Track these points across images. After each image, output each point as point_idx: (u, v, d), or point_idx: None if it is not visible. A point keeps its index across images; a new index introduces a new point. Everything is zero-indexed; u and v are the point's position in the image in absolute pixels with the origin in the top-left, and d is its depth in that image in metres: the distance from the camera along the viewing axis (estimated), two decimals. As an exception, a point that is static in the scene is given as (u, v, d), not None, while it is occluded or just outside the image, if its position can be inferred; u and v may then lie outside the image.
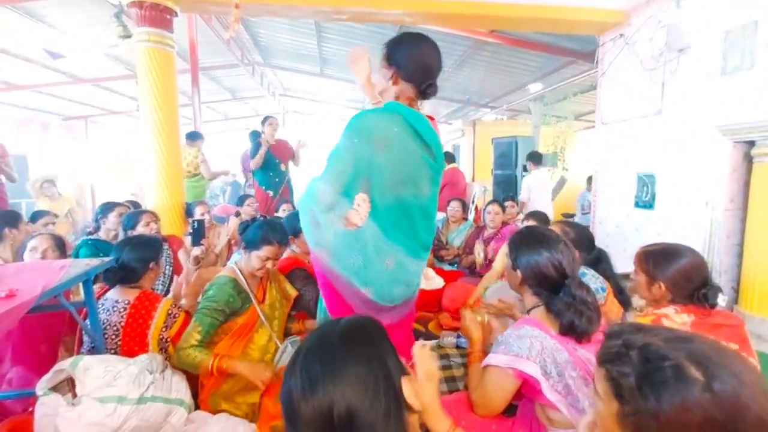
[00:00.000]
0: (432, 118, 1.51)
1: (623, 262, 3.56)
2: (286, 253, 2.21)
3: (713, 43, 2.86)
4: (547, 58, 5.74)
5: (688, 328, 1.28)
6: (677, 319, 1.31)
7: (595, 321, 1.15)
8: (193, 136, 4.34)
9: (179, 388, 1.49)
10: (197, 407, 1.54)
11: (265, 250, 1.67)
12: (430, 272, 3.04)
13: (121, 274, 1.65)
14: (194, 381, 1.62)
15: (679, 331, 0.68)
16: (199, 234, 2.35)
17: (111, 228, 2.59)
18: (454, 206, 3.73)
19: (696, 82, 3.01)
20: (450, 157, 5.05)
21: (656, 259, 1.38)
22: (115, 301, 1.63)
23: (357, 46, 1.57)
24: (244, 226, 1.78)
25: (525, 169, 5.49)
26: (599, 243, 4.05)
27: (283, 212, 3.37)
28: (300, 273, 2.07)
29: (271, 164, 4.08)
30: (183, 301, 2.01)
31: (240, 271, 1.69)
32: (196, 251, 2.43)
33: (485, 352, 1.36)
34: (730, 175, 2.84)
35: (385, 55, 1.42)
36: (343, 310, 1.42)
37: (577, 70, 5.80)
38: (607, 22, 3.67)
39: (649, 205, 3.49)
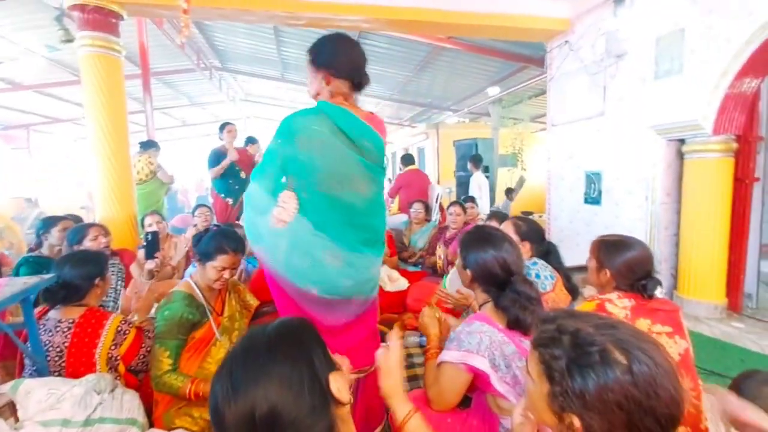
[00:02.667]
0: (371, 116, 1.51)
1: (576, 256, 3.77)
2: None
3: (647, 49, 3.11)
4: (502, 64, 5.98)
5: (629, 312, 1.38)
6: (619, 303, 1.41)
7: (538, 314, 1.22)
8: (146, 145, 4.17)
9: (131, 407, 1.43)
10: (152, 425, 1.49)
11: (221, 260, 1.63)
12: (395, 274, 3.09)
13: (64, 293, 1.56)
14: (148, 398, 1.57)
15: (607, 318, 0.73)
16: (152, 246, 2.26)
17: (55, 244, 2.44)
18: (417, 208, 3.80)
19: (633, 85, 3.25)
20: (409, 159, 5.13)
21: (608, 249, 1.48)
22: (57, 320, 1.54)
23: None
24: (198, 238, 1.73)
25: (466, 169, 5.83)
26: (554, 238, 4.28)
27: (241, 221, 3.27)
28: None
29: (230, 171, 3.97)
30: (134, 317, 1.93)
31: (195, 284, 1.64)
32: (150, 264, 2.34)
33: (442, 349, 1.41)
34: (665, 171, 3.08)
35: (311, 62, 1.46)
36: (291, 309, 1.44)
37: (530, 75, 6.08)
38: (553, 29, 3.89)
39: (596, 200, 3.71)
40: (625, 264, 1.44)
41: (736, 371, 2.21)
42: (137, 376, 1.71)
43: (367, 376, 1.53)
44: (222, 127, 3.98)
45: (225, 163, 3.85)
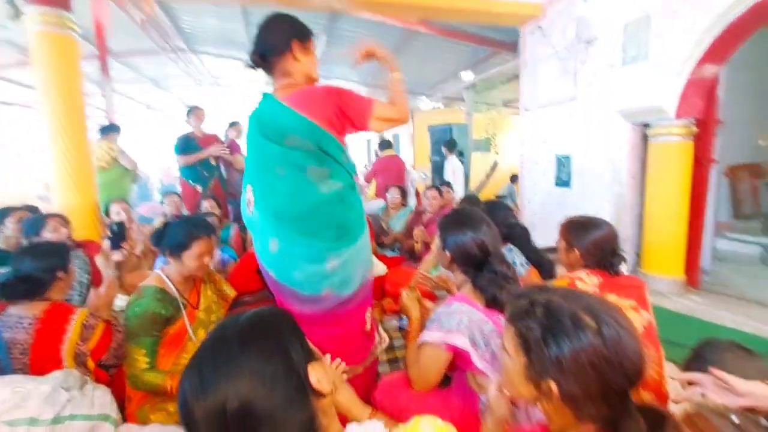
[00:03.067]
0: (302, 91, 1.38)
1: (549, 237, 3.90)
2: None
3: (615, 35, 3.18)
4: (475, 48, 5.98)
5: (597, 289, 1.45)
6: (588, 280, 1.48)
7: (511, 291, 1.26)
8: (106, 130, 3.92)
9: (103, 402, 1.38)
10: (125, 421, 1.45)
11: (197, 246, 1.56)
12: (373, 259, 3.09)
13: (25, 287, 1.47)
14: (120, 394, 1.52)
15: (573, 290, 0.78)
16: (119, 237, 2.15)
17: (10, 236, 2.29)
18: (393, 193, 3.80)
19: (602, 71, 3.33)
20: (386, 144, 5.12)
21: (576, 229, 1.55)
22: (19, 316, 1.45)
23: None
24: (158, 235, 1.61)
25: (441, 154, 5.90)
26: (527, 221, 4.40)
27: (205, 209, 3.16)
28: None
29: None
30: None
31: (168, 277, 1.57)
32: (117, 256, 2.24)
33: (422, 330, 1.43)
34: (630, 153, 3.21)
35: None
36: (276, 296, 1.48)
37: (503, 60, 6.12)
38: (525, 14, 3.91)
39: (567, 183, 3.83)
40: (593, 243, 1.50)
41: (694, 341, 2.38)
42: (108, 371, 1.64)
43: (355, 376, 1.50)
44: (189, 111, 3.81)
45: (201, 155, 3.72)
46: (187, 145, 3.74)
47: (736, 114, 4.07)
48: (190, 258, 1.53)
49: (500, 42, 5.37)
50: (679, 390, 1.34)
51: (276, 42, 1.38)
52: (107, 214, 2.93)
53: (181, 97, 11.29)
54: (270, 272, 1.44)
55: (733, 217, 4.64)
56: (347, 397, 0.80)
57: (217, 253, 2.51)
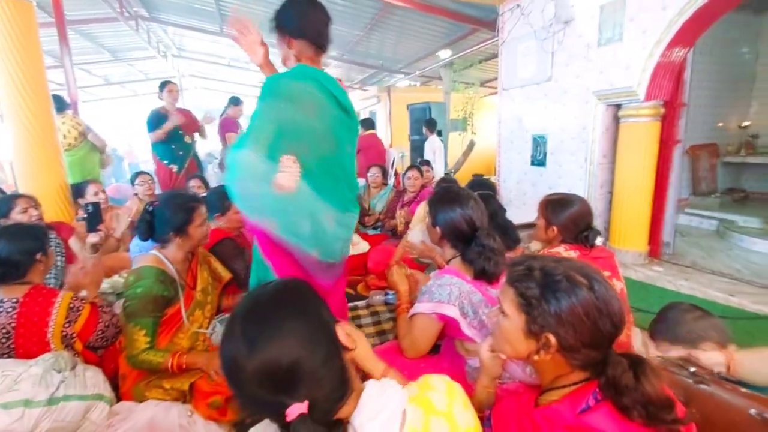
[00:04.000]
0: (340, 80, 1.54)
1: (524, 214, 4.05)
2: (211, 226, 2.10)
3: (591, 16, 3.25)
4: (454, 26, 5.93)
5: None
6: (566, 255, 1.59)
7: (501, 264, 1.33)
8: (59, 104, 3.59)
9: (95, 382, 1.38)
10: (120, 400, 1.45)
11: (198, 216, 1.59)
12: (356, 237, 3.13)
13: (2, 270, 1.42)
14: (111, 373, 1.52)
15: (559, 257, 0.88)
16: (95, 218, 2.07)
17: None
18: (374, 172, 3.81)
19: (578, 51, 3.41)
20: (369, 123, 5.08)
21: (553, 206, 1.65)
22: (-1, 300, 1.40)
23: (235, 17, 1.50)
24: (146, 224, 1.56)
25: (420, 133, 5.97)
26: (503, 199, 4.53)
27: (193, 189, 3.09)
28: (227, 243, 2.00)
29: (173, 136, 3.66)
30: (83, 293, 1.80)
31: (166, 258, 1.55)
32: (94, 238, 2.16)
33: (412, 303, 1.50)
34: (603, 134, 3.34)
35: (275, 27, 1.43)
36: (294, 272, 1.43)
37: (480, 39, 6.11)
38: (505, -9, 3.91)
39: (542, 162, 3.96)
40: (569, 219, 1.60)
41: (656, 306, 2.57)
42: (96, 352, 1.63)
43: None
44: (162, 85, 3.61)
45: (167, 126, 3.53)
46: (158, 121, 3.56)
47: (697, 97, 4.29)
48: (196, 229, 1.58)
49: (479, 20, 5.35)
50: (641, 350, 1.49)
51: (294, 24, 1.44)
52: (77, 194, 2.79)
53: (143, 70, 10.65)
54: (313, 252, 1.39)
55: (692, 194, 4.97)
56: (364, 352, 0.87)
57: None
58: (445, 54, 6.99)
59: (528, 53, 3.96)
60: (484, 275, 1.34)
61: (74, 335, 1.48)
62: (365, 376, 0.99)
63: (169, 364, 1.42)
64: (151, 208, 1.59)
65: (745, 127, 5.24)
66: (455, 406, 0.73)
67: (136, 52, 8.94)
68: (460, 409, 0.74)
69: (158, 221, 1.56)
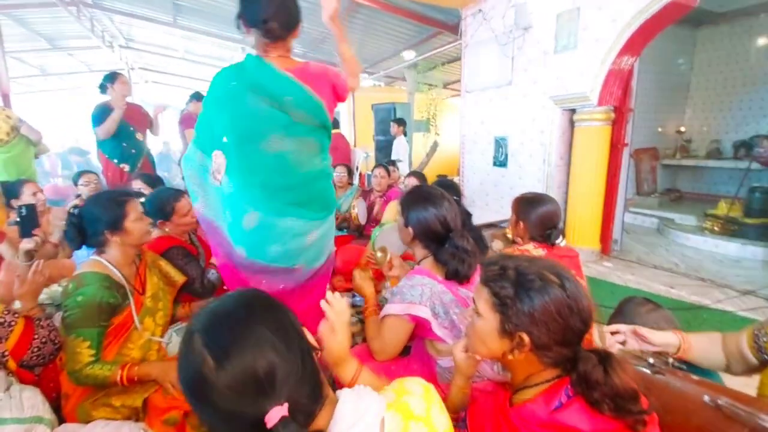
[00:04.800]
0: (304, 67, 1.44)
1: (486, 214, 4.18)
2: (155, 234, 1.93)
3: (548, 24, 3.40)
4: (418, 27, 6.00)
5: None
6: (534, 252, 1.65)
7: (474, 265, 1.34)
8: None
9: (34, 404, 1.24)
10: (62, 422, 1.31)
11: (131, 209, 1.44)
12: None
13: None
14: (50, 393, 1.38)
15: (533, 257, 0.90)
16: (30, 222, 1.87)
17: None
18: (340, 171, 3.76)
19: (537, 57, 3.56)
20: (334, 123, 5.00)
21: (525, 204, 1.71)
22: None
23: None
24: (74, 227, 1.43)
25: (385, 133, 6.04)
26: (467, 199, 4.63)
27: (137, 190, 2.84)
28: (178, 251, 1.84)
29: (124, 132, 3.36)
30: (17, 304, 1.62)
31: (109, 263, 1.42)
32: (28, 244, 1.95)
33: (378, 306, 1.48)
34: (560, 137, 3.51)
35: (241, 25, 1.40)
36: (236, 277, 1.45)
37: (444, 41, 6.23)
38: (468, -4, 4.00)
39: (503, 164, 4.09)
40: (538, 218, 1.67)
41: (607, 300, 2.75)
42: (32, 370, 1.47)
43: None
44: (110, 77, 3.29)
45: (115, 116, 3.23)
46: (106, 115, 3.27)
47: (641, 104, 4.63)
48: (133, 223, 1.45)
49: (442, 23, 5.44)
50: (598, 342, 1.57)
51: (298, 17, 1.42)
52: (10, 195, 2.52)
53: (86, 61, 9.86)
54: (238, 249, 1.41)
55: (636, 194, 5.35)
56: (337, 347, 0.86)
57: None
58: (409, 55, 7.06)
59: (489, 57, 4.07)
60: (455, 276, 1.34)
61: (6, 353, 1.33)
62: (335, 383, 0.97)
63: (119, 377, 1.29)
64: (76, 211, 1.45)
65: (681, 132, 5.73)
66: (433, 410, 0.73)
67: (78, 41, 8.24)
68: (437, 412, 0.73)
69: (88, 222, 1.42)
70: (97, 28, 7.66)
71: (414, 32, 6.33)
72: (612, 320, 1.57)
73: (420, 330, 1.36)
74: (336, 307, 0.88)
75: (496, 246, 3.70)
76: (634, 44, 2.92)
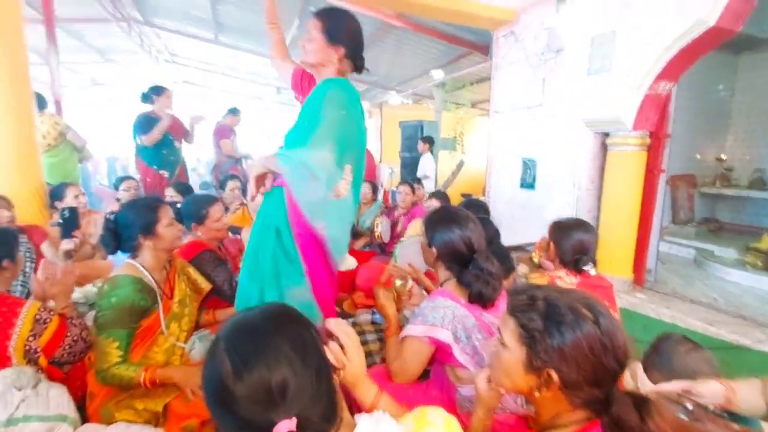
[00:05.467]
0: None
1: (512, 236, 4.08)
2: (188, 238, 2.00)
3: (582, 46, 3.36)
4: (448, 48, 6.07)
5: (575, 287, 1.56)
6: (567, 280, 1.60)
7: (499, 288, 1.30)
8: (39, 103, 3.48)
9: (59, 402, 1.28)
10: (86, 421, 1.34)
11: (164, 215, 1.51)
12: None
13: (-37, 276, 1.32)
14: (77, 392, 1.41)
15: (563, 288, 0.85)
16: (71, 224, 1.97)
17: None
18: (365, 188, 3.78)
19: (569, 80, 3.51)
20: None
21: (560, 229, 1.68)
22: (-44, 309, 1.30)
23: None
24: (110, 235, 1.50)
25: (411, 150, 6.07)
26: (493, 220, 4.55)
27: (170, 198, 2.96)
28: (208, 256, 1.90)
29: (164, 141, 3.55)
30: (52, 303, 1.69)
31: (142, 266, 1.48)
32: (68, 244, 2.05)
33: (400, 327, 1.45)
34: (591, 161, 3.42)
35: (324, 31, 1.44)
36: (324, 277, 1.49)
37: (473, 61, 6.26)
38: (500, 19, 4.02)
39: (531, 185, 4.01)
40: (571, 243, 1.61)
41: (641, 334, 2.61)
42: (62, 368, 1.52)
43: None
44: (158, 90, 3.53)
45: (163, 125, 3.44)
46: (150, 125, 3.47)
47: (677, 129, 4.46)
48: (165, 228, 1.51)
49: (473, 43, 5.48)
50: (630, 381, 1.48)
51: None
52: (54, 197, 2.67)
53: (132, 73, 10.48)
54: (332, 251, 1.48)
55: (671, 222, 5.11)
56: (355, 370, 0.84)
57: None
58: (437, 74, 7.12)
59: (520, 78, 4.05)
60: (479, 299, 1.31)
61: (39, 350, 1.38)
62: (353, 407, 0.95)
63: (142, 379, 1.32)
64: (112, 217, 1.52)
65: (721, 159, 5.47)
66: None
67: (127, 55, 8.80)
68: None
69: (122, 227, 1.49)
70: (145, 43, 8.17)
71: (443, 52, 6.40)
72: (648, 359, 1.48)
73: (440, 354, 1.33)
74: (345, 329, 0.86)
75: (521, 270, 3.59)
76: (673, 69, 2.84)
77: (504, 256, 2.37)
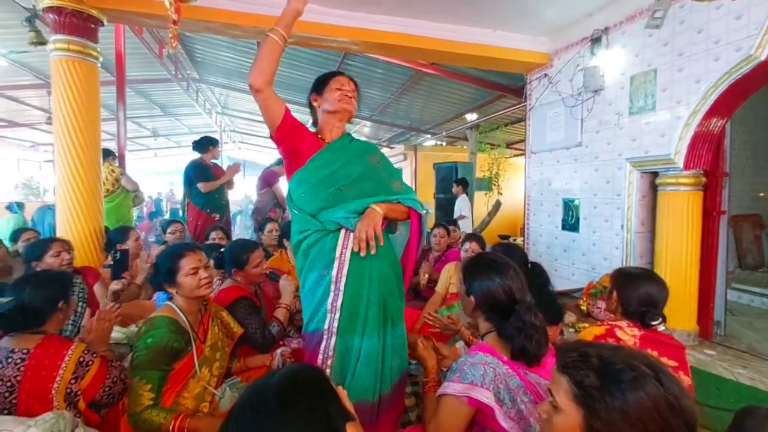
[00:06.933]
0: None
1: (555, 281, 3.83)
2: (227, 284, 2.03)
3: (622, 86, 3.29)
4: (481, 91, 6.18)
5: (637, 341, 1.40)
6: (628, 331, 1.43)
7: (544, 344, 1.19)
8: (104, 154, 3.95)
9: (93, 448, 1.27)
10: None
11: (187, 262, 1.51)
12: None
13: (22, 318, 1.39)
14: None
15: (616, 345, 0.77)
16: (121, 266, 2.08)
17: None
18: (399, 230, 3.75)
19: (609, 119, 3.41)
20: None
21: (625, 277, 1.53)
22: (9, 350, 1.35)
23: None
24: (157, 274, 1.58)
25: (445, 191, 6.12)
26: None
27: (212, 241, 3.08)
28: (244, 302, 1.91)
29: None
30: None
31: (179, 309, 1.51)
32: (116, 285, 2.15)
33: (440, 381, 1.34)
34: (640, 201, 3.22)
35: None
36: None
37: (507, 103, 6.31)
38: (532, 62, 4.06)
39: (574, 227, 3.81)
40: (637, 293, 1.46)
41: (714, 399, 2.27)
42: (99, 411, 1.53)
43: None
44: (209, 142, 3.91)
45: (225, 178, 3.92)
46: (206, 172, 3.79)
47: (736, 166, 4.16)
48: (186, 278, 1.51)
49: (506, 86, 5.55)
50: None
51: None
52: (116, 239, 2.85)
53: (188, 125, 11.51)
54: None
55: (738, 267, 4.62)
56: None
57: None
58: (471, 117, 7.23)
59: (556, 119, 4.00)
60: (523, 356, 1.19)
61: (79, 393, 1.40)
62: None
63: (171, 426, 1.31)
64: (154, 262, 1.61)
65: (791, 198, 4.99)
66: None
67: (184, 109, 9.72)
68: None
69: (156, 272, 1.57)
70: (201, 98, 9.01)
71: (476, 95, 6.52)
72: (728, 437, 1.26)
73: (482, 418, 1.20)
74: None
75: (568, 319, 3.34)
76: (724, 105, 2.68)
77: (554, 305, 2.21)
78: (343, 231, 1.45)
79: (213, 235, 3.11)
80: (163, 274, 1.51)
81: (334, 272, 1.43)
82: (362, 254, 1.40)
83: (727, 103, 2.69)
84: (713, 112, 2.70)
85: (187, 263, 1.51)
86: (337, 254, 1.43)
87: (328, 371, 1.41)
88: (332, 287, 1.43)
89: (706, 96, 2.66)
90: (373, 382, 1.42)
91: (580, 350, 0.73)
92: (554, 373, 0.75)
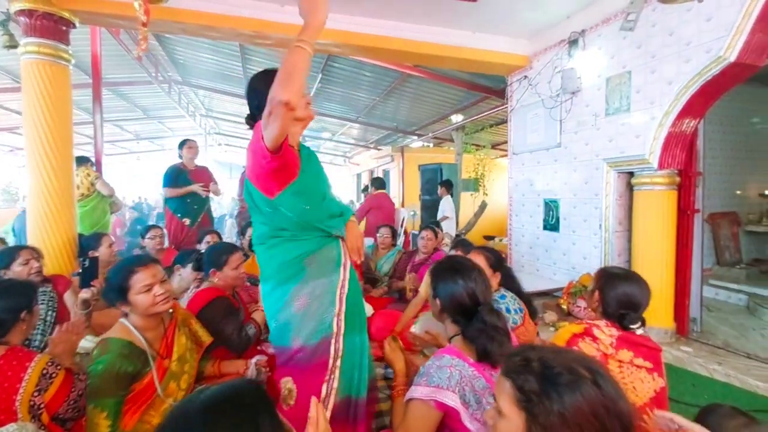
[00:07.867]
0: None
1: (536, 281, 3.88)
2: (204, 285, 2.01)
3: (598, 87, 3.34)
4: (465, 93, 6.22)
5: (614, 341, 1.41)
6: (606, 331, 1.43)
7: (506, 344, 1.20)
8: (81, 160, 3.72)
9: (55, 463, 1.24)
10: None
11: (138, 279, 1.39)
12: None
13: (-19, 329, 1.36)
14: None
15: (558, 347, 0.80)
16: (90, 273, 2.03)
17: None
18: (384, 232, 3.75)
19: (586, 120, 3.46)
20: (380, 183, 5.16)
21: (608, 277, 1.53)
22: (-31, 362, 1.32)
23: None
24: (108, 287, 1.45)
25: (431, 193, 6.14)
26: (516, 263, 4.38)
27: (206, 244, 3.05)
28: (221, 303, 1.89)
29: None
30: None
31: (134, 327, 1.41)
32: (85, 293, 2.10)
33: (409, 385, 1.34)
34: (617, 201, 3.27)
35: None
36: None
37: (491, 105, 6.36)
38: (512, 64, 4.10)
39: (555, 227, 3.86)
40: (617, 294, 1.46)
41: (688, 396, 2.31)
42: (63, 425, 1.49)
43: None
44: (182, 143, 3.79)
45: (187, 190, 3.73)
46: (176, 177, 3.69)
47: (712, 165, 4.25)
48: (138, 296, 1.41)
49: (489, 88, 5.60)
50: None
51: (259, 103, 1.33)
52: (88, 246, 2.80)
53: (172, 127, 11.36)
54: None
55: (716, 264, 4.72)
56: None
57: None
58: (457, 118, 7.26)
59: (536, 120, 4.05)
60: (486, 357, 1.20)
61: (42, 405, 1.36)
62: None
63: None
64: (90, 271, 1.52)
65: (765, 196, 5.11)
66: None
67: (167, 111, 9.59)
68: None
69: (106, 289, 1.46)
70: (184, 100, 8.90)
71: (461, 97, 6.56)
72: (691, 434, 1.28)
73: (449, 420, 1.20)
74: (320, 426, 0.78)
75: (549, 318, 3.37)
76: (696, 106, 2.74)
77: (527, 304, 2.22)
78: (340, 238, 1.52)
79: (207, 238, 3.09)
80: (114, 292, 1.41)
81: (341, 277, 1.47)
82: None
83: (698, 103, 2.75)
84: (685, 112, 2.76)
85: (138, 280, 1.39)
86: (343, 261, 1.48)
87: (337, 372, 1.41)
88: (338, 292, 1.46)
89: (678, 97, 2.72)
90: (364, 378, 1.51)
91: (524, 354, 0.74)
92: (499, 377, 0.76)
